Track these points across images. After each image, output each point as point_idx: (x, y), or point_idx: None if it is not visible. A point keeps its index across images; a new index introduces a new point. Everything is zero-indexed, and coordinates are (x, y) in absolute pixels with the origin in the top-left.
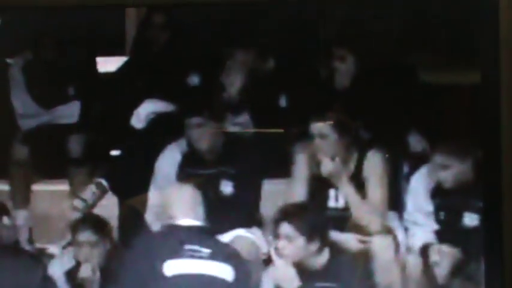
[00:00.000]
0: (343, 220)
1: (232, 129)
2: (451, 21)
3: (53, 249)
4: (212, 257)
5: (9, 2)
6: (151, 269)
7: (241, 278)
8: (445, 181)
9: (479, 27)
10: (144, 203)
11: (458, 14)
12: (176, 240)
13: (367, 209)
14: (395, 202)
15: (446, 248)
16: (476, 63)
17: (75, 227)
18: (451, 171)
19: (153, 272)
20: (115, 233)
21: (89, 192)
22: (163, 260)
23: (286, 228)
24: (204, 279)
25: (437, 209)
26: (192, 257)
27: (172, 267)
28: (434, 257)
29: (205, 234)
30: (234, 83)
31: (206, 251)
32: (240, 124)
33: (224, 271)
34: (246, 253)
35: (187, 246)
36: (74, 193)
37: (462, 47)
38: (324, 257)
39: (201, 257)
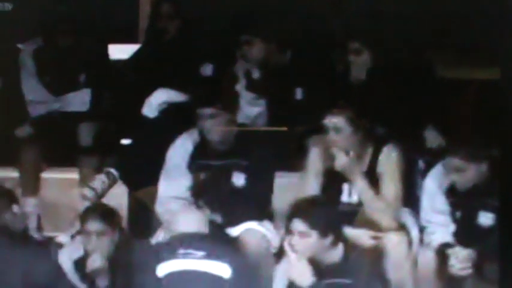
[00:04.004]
0: (356, 215)
1: (245, 121)
2: (470, 16)
3: (61, 238)
4: (207, 256)
5: None
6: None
7: (240, 275)
8: (459, 183)
9: (499, 23)
10: (152, 196)
11: (477, 10)
12: (172, 246)
13: (381, 204)
14: (410, 199)
15: (463, 250)
16: (495, 59)
17: (84, 216)
18: (466, 174)
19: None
20: (124, 223)
21: (99, 181)
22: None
23: (298, 224)
24: (197, 275)
25: (453, 208)
26: (186, 258)
27: (166, 268)
28: (452, 259)
29: (201, 239)
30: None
31: (200, 252)
32: (254, 115)
33: (220, 269)
34: (257, 246)
35: (182, 250)
36: (83, 182)
37: (481, 42)
38: (338, 253)
39: (195, 258)
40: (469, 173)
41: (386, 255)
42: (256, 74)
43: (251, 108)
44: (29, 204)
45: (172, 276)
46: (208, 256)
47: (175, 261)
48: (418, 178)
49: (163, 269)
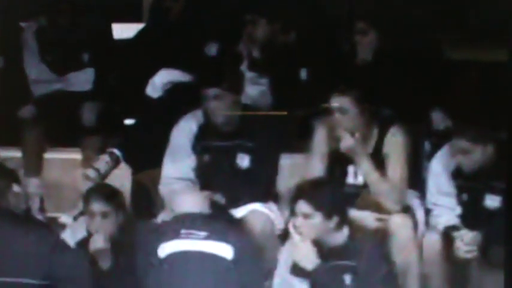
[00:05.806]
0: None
1: (248, 101)
2: None
3: (64, 218)
4: (209, 237)
5: None
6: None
7: (244, 256)
8: (465, 165)
9: (507, 3)
10: (152, 179)
11: None
12: (174, 226)
13: (386, 186)
14: (416, 181)
15: (469, 233)
16: (503, 41)
17: (87, 196)
18: (472, 156)
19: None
20: (127, 204)
21: (102, 161)
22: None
23: (303, 206)
24: (200, 256)
25: (459, 190)
26: (188, 238)
27: (167, 248)
28: (458, 242)
29: (204, 219)
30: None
31: (203, 233)
32: (256, 95)
33: (223, 250)
34: (261, 228)
35: (184, 231)
36: (86, 162)
37: (489, 24)
38: (342, 235)
39: (197, 238)
40: (476, 155)
41: (391, 238)
42: (259, 53)
43: (253, 87)
44: (32, 185)
45: (174, 256)
46: (211, 237)
47: (178, 241)
48: (424, 160)
49: (165, 250)
